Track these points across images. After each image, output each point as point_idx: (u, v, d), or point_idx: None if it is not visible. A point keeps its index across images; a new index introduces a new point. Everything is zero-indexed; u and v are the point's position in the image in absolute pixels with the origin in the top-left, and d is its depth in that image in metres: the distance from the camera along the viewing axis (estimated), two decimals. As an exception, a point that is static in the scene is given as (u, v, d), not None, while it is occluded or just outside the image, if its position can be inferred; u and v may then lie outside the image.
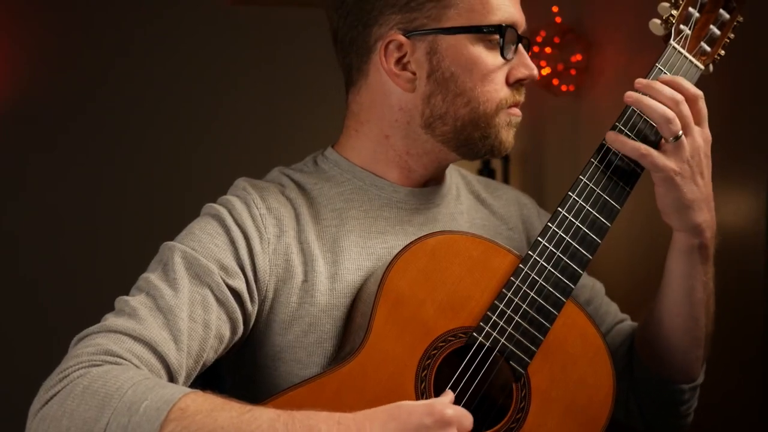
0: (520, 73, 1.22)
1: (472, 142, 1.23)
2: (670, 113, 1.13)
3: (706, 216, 1.19)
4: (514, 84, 1.22)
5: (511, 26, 1.20)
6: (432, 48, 1.20)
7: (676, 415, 1.34)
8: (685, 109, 1.15)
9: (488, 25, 1.19)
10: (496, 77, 1.21)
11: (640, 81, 1.18)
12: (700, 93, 1.17)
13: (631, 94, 1.17)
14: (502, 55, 1.20)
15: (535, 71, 1.23)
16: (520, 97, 1.24)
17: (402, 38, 1.20)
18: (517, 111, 1.24)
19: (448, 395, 1.05)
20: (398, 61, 1.21)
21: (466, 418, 0.97)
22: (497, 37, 1.19)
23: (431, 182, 1.30)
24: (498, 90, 1.21)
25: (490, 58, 1.20)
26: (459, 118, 1.21)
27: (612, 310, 1.42)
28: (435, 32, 1.19)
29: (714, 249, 1.23)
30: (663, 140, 1.16)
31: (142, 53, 3.18)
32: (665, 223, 1.21)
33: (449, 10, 1.19)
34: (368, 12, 1.21)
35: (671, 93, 1.15)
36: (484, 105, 1.20)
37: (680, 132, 1.14)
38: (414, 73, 1.21)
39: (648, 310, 1.32)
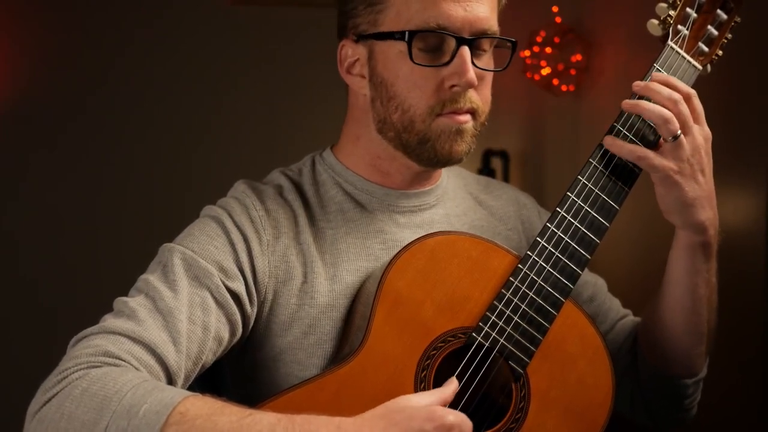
0: (452, 79, 1.17)
1: (412, 147, 1.21)
2: (668, 113, 1.13)
3: (708, 213, 1.19)
4: (450, 89, 1.18)
5: (435, 30, 1.15)
6: (370, 52, 1.21)
7: (680, 408, 1.35)
8: (684, 107, 1.15)
9: (398, 32, 1.17)
10: (423, 83, 1.17)
11: (638, 84, 1.17)
12: (692, 91, 1.17)
13: (627, 102, 1.16)
14: (411, 59, 1.16)
15: (467, 77, 1.16)
16: (457, 104, 1.18)
17: (351, 43, 1.22)
18: (461, 118, 1.19)
19: (453, 384, 1.05)
20: (353, 64, 1.24)
21: (466, 424, 0.97)
22: (430, 40, 1.16)
23: (425, 183, 1.30)
24: (425, 96, 1.18)
25: (407, 62, 1.17)
26: (394, 123, 1.21)
27: (614, 306, 1.42)
28: (369, 38, 1.20)
29: (717, 246, 1.23)
30: (662, 140, 1.16)
31: (142, 53, 3.18)
32: (667, 221, 1.21)
33: (380, 15, 1.19)
34: (341, 15, 1.25)
35: (669, 93, 1.15)
36: (412, 110, 1.19)
37: (679, 131, 1.14)
38: (363, 77, 1.23)
39: (650, 307, 1.32)
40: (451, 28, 1.16)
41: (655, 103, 1.15)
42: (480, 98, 1.21)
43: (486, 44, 1.20)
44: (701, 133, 1.17)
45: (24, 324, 3.10)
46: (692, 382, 1.32)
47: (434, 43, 1.17)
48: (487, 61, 1.21)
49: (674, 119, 1.13)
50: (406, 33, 1.15)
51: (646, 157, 1.15)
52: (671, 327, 1.27)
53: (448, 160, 1.22)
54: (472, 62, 1.17)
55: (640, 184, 1.20)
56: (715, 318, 1.29)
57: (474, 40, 1.17)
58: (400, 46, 1.17)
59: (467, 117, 1.20)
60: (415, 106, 1.18)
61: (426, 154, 1.21)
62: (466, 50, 1.16)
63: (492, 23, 1.19)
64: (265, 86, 3.25)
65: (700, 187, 1.17)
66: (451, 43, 1.16)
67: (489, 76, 1.22)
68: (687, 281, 1.23)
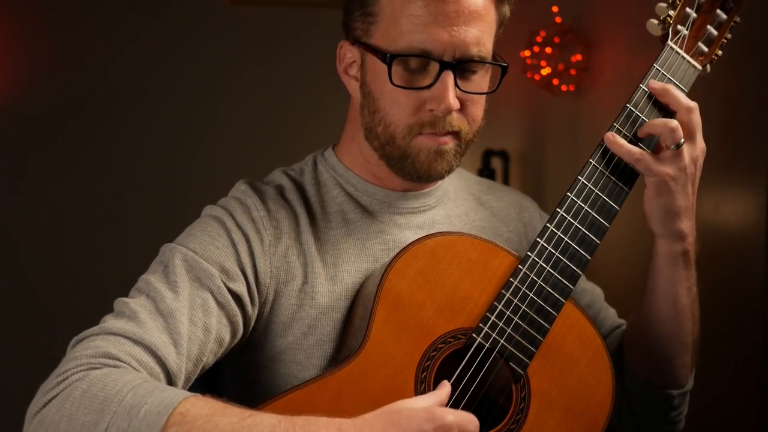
0: (431, 103, 1.16)
1: (394, 161, 1.21)
2: (674, 122, 1.14)
3: (688, 223, 1.20)
4: (431, 112, 1.17)
5: (419, 55, 1.14)
6: (362, 60, 1.21)
7: (666, 421, 1.33)
8: (696, 117, 1.16)
9: (380, 51, 1.16)
10: (404, 102, 1.17)
11: (654, 84, 1.18)
12: (694, 105, 1.17)
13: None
14: (390, 81, 1.15)
15: (446, 103, 1.15)
16: (440, 128, 1.17)
17: (349, 45, 1.22)
18: (441, 139, 1.18)
19: (445, 388, 1.04)
20: (350, 65, 1.24)
21: (470, 422, 0.97)
22: (412, 62, 1.15)
23: (424, 185, 1.30)
24: (404, 115, 1.18)
25: (387, 82, 1.16)
26: (378, 135, 1.21)
27: (611, 314, 1.42)
28: (361, 46, 1.20)
29: (696, 254, 1.24)
30: (664, 146, 1.16)
31: (142, 53, 3.18)
32: (648, 228, 1.22)
33: (372, 26, 1.18)
34: (344, 14, 1.24)
35: (686, 101, 1.16)
36: (392, 127, 1.19)
37: (682, 140, 1.15)
38: (357, 80, 1.23)
39: (634, 317, 1.32)
40: (435, 52, 1.14)
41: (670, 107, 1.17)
42: (466, 119, 1.20)
43: (475, 66, 1.18)
44: (699, 145, 1.18)
45: (24, 324, 3.11)
46: (678, 393, 1.31)
47: (417, 64, 1.16)
48: (477, 81, 1.19)
49: (679, 128, 1.14)
50: (387, 55, 1.15)
51: (643, 160, 1.15)
52: (654, 337, 1.26)
53: (427, 178, 1.22)
54: (458, 85, 1.16)
55: (639, 185, 1.20)
56: (698, 329, 1.29)
57: (458, 65, 1.16)
58: (384, 64, 1.16)
59: (447, 138, 1.19)
60: (395, 124, 1.19)
61: (407, 169, 1.21)
62: (448, 75, 1.15)
63: (481, 47, 1.16)
64: (265, 86, 3.25)
65: (688, 197, 1.18)
66: (435, 66, 1.15)
67: (479, 96, 1.21)
68: (669, 290, 1.23)
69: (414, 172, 1.21)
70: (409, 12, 1.14)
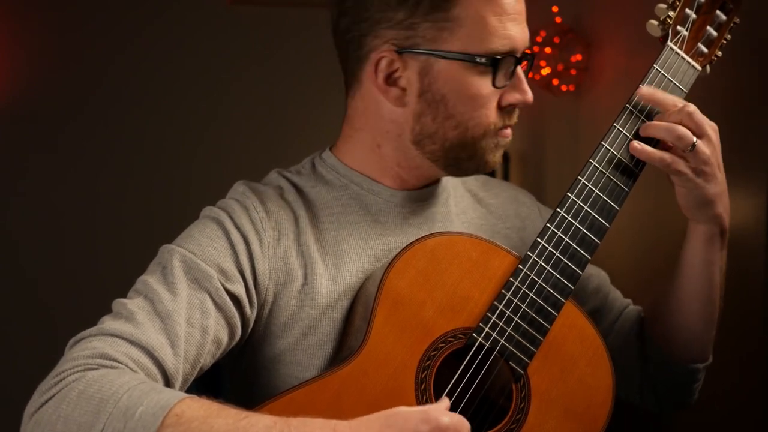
0: (513, 98, 1.19)
1: (458, 162, 1.22)
2: (679, 129, 1.15)
3: (725, 204, 1.21)
4: (506, 107, 1.20)
5: (509, 53, 1.17)
6: (424, 68, 1.18)
7: (689, 393, 1.37)
8: (698, 117, 1.16)
9: (482, 55, 1.16)
10: (488, 103, 1.18)
11: (643, 90, 1.19)
12: (692, 108, 1.17)
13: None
14: (494, 84, 1.17)
15: (529, 96, 1.20)
16: (511, 121, 1.22)
17: (394, 55, 1.18)
18: (507, 132, 1.23)
19: (444, 402, 1.05)
20: (389, 76, 1.20)
21: (462, 425, 0.97)
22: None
23: (428, 183, 1.30)
24: (488, 116, 1.19)
25: (483, 84, 1.17)
26: (447, 139, 1.20)
27: (618, 296, 1.43)
28: (429, 54, 1.17)
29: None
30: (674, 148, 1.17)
31: (142, 53, 3.18)
32: (667, 220, 1.22)
33: (445, 32, 1.16)
34: (365, 20, 1.19)
35: (674, 104, 1.17)
36: (473, 129, 1.19)
37: (695, 139, 1.15)
38: (404, 90, 1.20)
39: (660, 297, 1.33)
40: (518, 49, 1.18)
41: (666, 118, 1.17)
42: None
43: None
44: (711, 129, 1.17)
45: (24, 324, 3.10)
46: (703, 366, 1.34)
47: (506, 65, 1.18)
48: None
49: (687, 133, 1.14)
50: (490, 59, 1.16)
51: (673, 163, 1.16)
52: (688, 315, 1.28)
53: (484, 171, 1.25)
54: None
55: (640, 183, 1.20)
56: (722, 303, 1.32)
57: (527, 57, 1.20)
58: (480, 68, 1.16)
59: (510, 131, 1.23)
60: (478, 126, 1.19)
61: (466, 166, 1.23)
62: (523, 68, 1.20)
63: None
64: (265, 86, 3.25)
65: (718, 183, 1.19)
66: (511, 60, 1.18)
67: None
68: (705, 271, 1.25)
69: (475, 169, 1.24)
70: (494, 12, 1.16)
